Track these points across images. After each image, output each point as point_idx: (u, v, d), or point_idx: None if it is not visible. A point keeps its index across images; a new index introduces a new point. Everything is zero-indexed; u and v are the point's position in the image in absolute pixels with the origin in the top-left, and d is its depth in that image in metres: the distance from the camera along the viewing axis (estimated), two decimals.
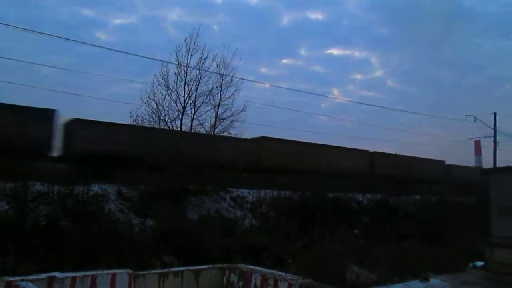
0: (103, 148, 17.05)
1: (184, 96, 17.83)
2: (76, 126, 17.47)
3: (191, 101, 17.93)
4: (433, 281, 9.60)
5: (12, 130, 15.18)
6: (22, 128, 15.55)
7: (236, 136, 19.44)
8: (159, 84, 17.63)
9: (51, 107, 17.00)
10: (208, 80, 18.31)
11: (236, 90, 18.81)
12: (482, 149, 43.26)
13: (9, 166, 13.54)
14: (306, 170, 22.01)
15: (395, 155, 31.20)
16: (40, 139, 16.10)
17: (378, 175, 26.74)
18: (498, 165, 30.76)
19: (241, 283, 6.61)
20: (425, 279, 9.69)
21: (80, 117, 17.77)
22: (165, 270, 6.98)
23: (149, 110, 17.39)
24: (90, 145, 16.90)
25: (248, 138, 22.09)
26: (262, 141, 23.14)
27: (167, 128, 17.57)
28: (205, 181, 17.39)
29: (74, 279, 5.59)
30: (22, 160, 14.25)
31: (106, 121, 18.53)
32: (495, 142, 34.01)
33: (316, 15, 71.41)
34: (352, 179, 24.01)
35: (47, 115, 16.61)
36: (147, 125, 17.47)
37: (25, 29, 23.14)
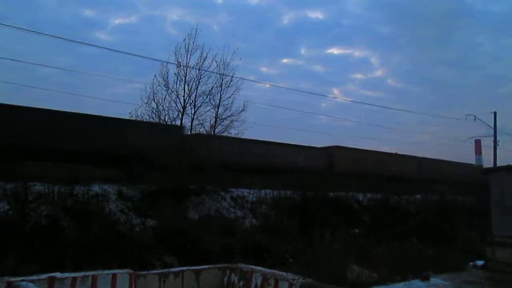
0: None
1: (184, 96, 17.86)
2: None
3: (191, 101, 17.95)
4: (434, 280, 9.56)
5: None
6: None
7: None
8: (159, 84, 17.66)
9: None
10: (208, 80, 18.31)
11: (236, 90, 18.77)
12: (483, 148, 43.22)
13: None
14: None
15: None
16: None
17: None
18: (498, 164, 30.75)
19: (241, 283, 6.62)
20: (425, 278, 9.65)
21: None
22: (166, 270, 6.99)
23: (149, 110, 17.41)
24: None
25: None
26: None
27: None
28: None
29: (74, 279, 5.60)
30: None
31: None
32: (495, 141, 34.01)
33: (316, 15, 71.22)
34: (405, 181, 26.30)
35: None
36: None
37: (25, 29, 23.21)
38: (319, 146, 27.48)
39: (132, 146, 15.81)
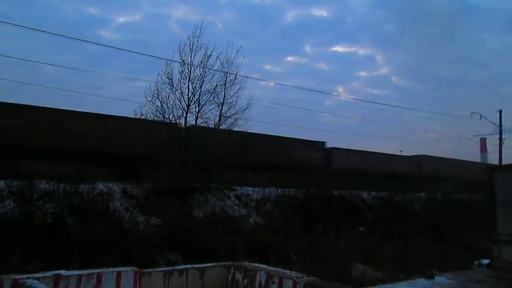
0: None
1: (188, 94, 17.85)
2: None
3: (195, 99, 17.93)
4: (439, 278, 9.51)
5: None
6: None
7: None
8: (163, 83, 17.68)
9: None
10: (212, 78, 18.30)
11: (240, 88, 18.77)
12: (488, 146, 43.03)
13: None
14: None
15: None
16: None
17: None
18: (503, 162, 30.58)
19: (246, 281, 6.61)
20: (430, 277, 9.60)
21: None
22: (170, 268, 7.00)
23: (153, 108, 17.43)
24: None
25: None
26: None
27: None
28: None
29: (80, 276, 5.61)
30: None
31: None
32: (500, 139, 33.85)
33: (320, 12, 71.34)
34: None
35: None
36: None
37: (30, 28, 23.25)
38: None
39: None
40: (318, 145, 25.72)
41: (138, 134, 17.47)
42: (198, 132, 17.68)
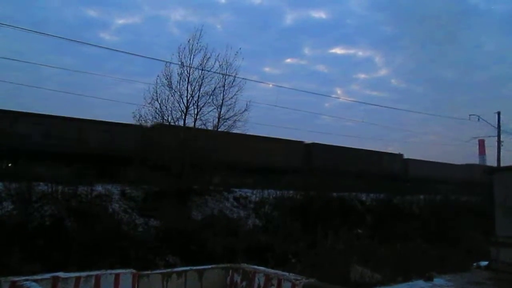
0: None
1: (187, 96, 17.89)
2: None
3: (194, 101, 17.98)
4: (437, 280, 9.53)
5: None
6: None
7: None
8: (162, 85, 17.69)
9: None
10: (211, 80, 18.34)
11: (239, 90, 18.82)
12: (486, 148, 43.08)
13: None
14: None
15: None
16: None
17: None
18: (502, 164, 30.60)
19: (244, 283, 6.60)
20: (429, 279, 9.62)
21: None
22: (169, 270, 6.98)
23: (152, 110, 17.46)
24: None
25: None
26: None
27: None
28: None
29: (78, 279, 5.60)
30: None
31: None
32: (499, 141, 33.79)
33: (319, 14, 71.38)
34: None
35: None
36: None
37: (29, 30, 23.26)
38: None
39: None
40: (397, 157, 31.39)
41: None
42: None
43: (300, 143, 25.62)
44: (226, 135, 18.35)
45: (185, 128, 17.80)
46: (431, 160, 33.78)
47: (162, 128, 17.72)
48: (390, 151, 31.79)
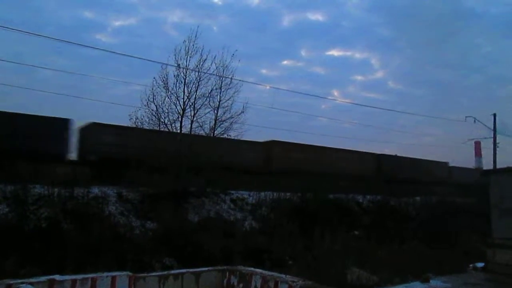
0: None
1: (183, 98, 17.80)
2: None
3: (190, 103, 17.89)
4: (434, 282, 9.58)
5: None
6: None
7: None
8: (158, 87, 17.63)
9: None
10: (207, 82, 18.29)
11: (235, 92, 18.77)
12: (482, 150, 43.21)
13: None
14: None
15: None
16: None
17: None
18: (498, 166, 30.72)
19: (241, 285, 6.60)
20: (426, 280, 9.67)
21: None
22: (165, 272, 6.98)
23: (148, 112, 17.39)
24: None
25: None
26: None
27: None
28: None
29: (74, 281, 5.59)
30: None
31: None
32: (494, 143, 33.95)
33: (316, 16, 71.48)
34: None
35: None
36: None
37: (25, 32, 23.21)
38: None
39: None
40: (443, 164, 34.64)
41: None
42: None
43: (372, 154, 29.66)
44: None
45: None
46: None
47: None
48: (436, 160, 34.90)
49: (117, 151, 17.77)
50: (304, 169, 22.39)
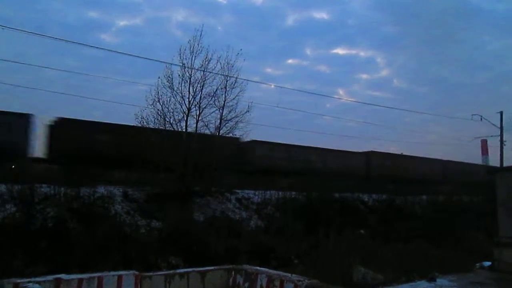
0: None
1: (189, 98, 17.86)
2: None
3: (195, 103, 17.94)
4: (440, 281, 9.51)
5: None
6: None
7: None
8: (163, 86, 17.69)
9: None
10: (212, 82, 18.33)
11: (240, 91, 18.80)
12: (489, 148, 42.90)
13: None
14: None
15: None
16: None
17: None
18: (505, 164, 30.52)
19: (247, 284, 6.61)
20: (432, 279, 9.60)
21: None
22: (171, 271, 7.00)
23: (154, 112, 17.45)
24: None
25: None
26: None
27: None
28: None
29: (80, 280, 5.62)
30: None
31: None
32: (501, 141, 33.70)
33: (321, 15, 71.19)
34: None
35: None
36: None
37: (30, 32, 23.33)
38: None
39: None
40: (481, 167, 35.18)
41: None
42: None
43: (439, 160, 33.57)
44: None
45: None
46: None
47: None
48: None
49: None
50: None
